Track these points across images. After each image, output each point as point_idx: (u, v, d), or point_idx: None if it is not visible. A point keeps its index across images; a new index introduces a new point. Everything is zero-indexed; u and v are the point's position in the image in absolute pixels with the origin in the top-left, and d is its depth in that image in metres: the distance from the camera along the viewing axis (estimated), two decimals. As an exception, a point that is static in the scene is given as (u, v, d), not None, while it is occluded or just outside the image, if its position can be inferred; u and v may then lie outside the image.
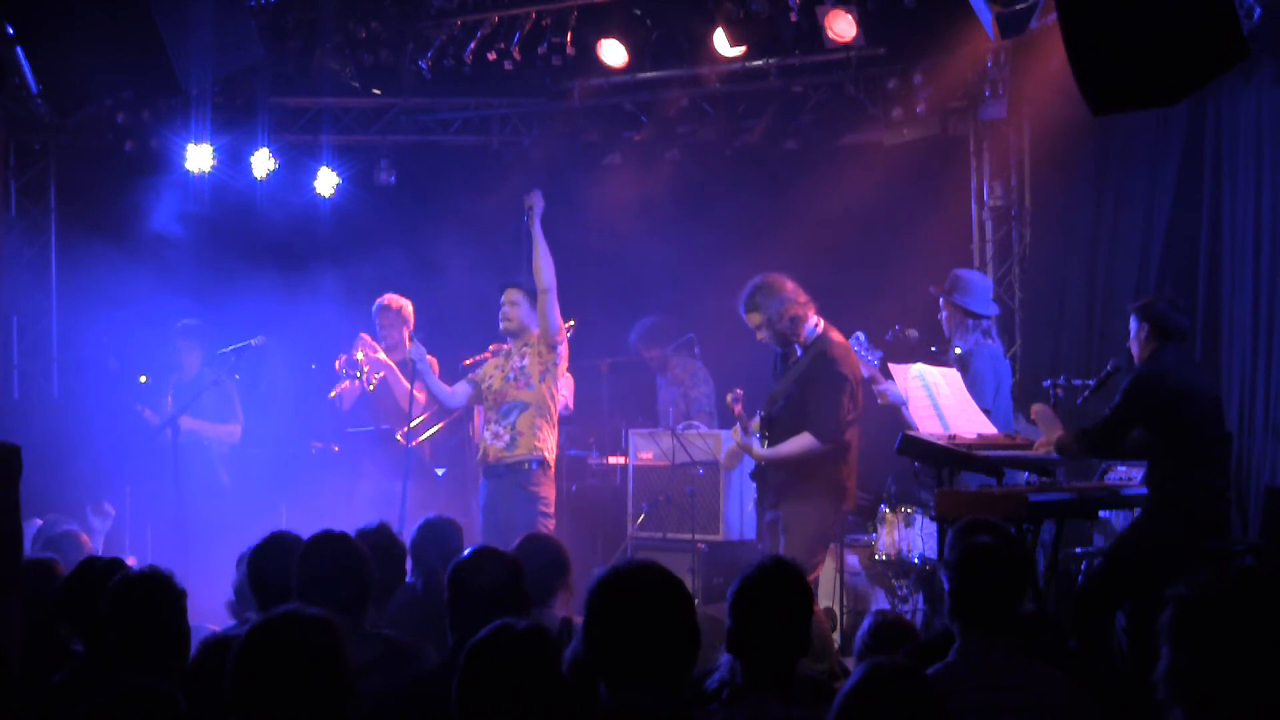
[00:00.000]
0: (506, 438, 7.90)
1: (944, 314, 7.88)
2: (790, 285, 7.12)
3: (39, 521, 7.87)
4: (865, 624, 4.67)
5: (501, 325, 8.09)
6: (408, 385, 8.95)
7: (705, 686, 3.85)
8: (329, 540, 4.51)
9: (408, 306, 9.21)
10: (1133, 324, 6.66)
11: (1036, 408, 6.85)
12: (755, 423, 7.23)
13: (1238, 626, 2.60)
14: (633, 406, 10.43)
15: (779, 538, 7.09)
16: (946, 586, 3.95)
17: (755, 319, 7.15)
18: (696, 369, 10.11)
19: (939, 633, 4.35)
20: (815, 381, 7.03)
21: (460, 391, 8.26)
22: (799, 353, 7.17)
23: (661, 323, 10.22)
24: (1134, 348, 6.64)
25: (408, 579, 5.53)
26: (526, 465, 7.85)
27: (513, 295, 8.07)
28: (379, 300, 9.23)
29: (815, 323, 7.16)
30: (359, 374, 8.95)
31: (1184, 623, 2.64)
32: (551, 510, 7.95)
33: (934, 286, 7.92)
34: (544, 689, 3.15)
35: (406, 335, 9.15)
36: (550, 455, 7.98)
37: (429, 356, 9.00)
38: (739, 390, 7.28)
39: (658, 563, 3.48)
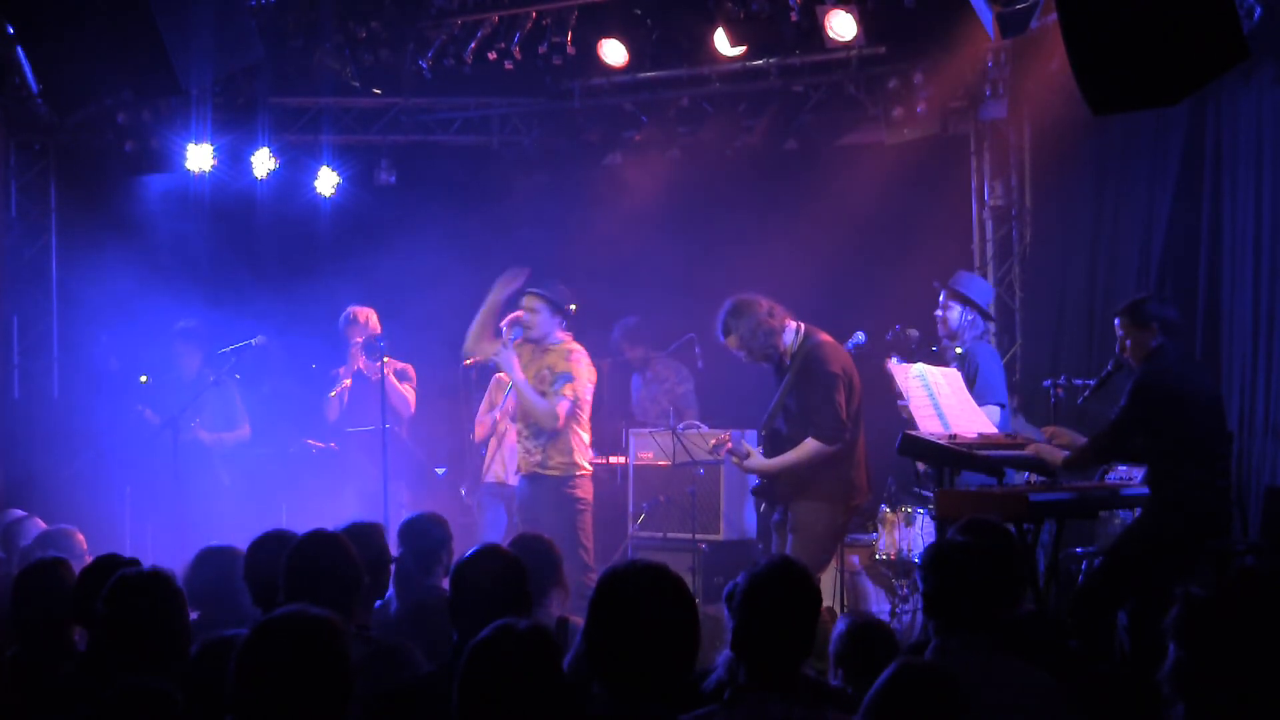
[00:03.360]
0: (539, 456, 8.00)
1: (942, 312, 7.88)
2: (763, 303, 7.10)
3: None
4: (839, 627, 4.58)
5: (524, 333, 8.10)
6: (397, 385, 9.03)
7: (702, 688, 3.85)
8: (320, 539, 4.51)
9: (374, 316, 9.33)
10: (1119, 326, 6.66)
11: (1034, 446, 6.85)
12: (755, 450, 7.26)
13: (1242, 625, 2.61)
14: (634, 406, 10.44)
15: (786, 536, 7.08)
16: (920, 586, 3.94)
17: (732, 342, 7.19)
18: (678, 367, 10.15)
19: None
20: (807, 385, 7.02)
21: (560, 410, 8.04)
22: (788, 363, 7.16)
23: (644, 322, 10.27)
24: (1129, 350, 6.63)
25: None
26: (563, 475, 7.98)
27: (533, 302, 8.12)
28: (349, 311, 9.30)
29: (795, 328, 7.13)
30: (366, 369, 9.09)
31: (1191, 621, 2.65)
32: (590, 507, 8.06)
33: (938, 281, 7.92)
34: (545, 689, 3.15)
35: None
36: (586, 463, 8.09)
37: (405, 365, 9.06)
38: (723, 435, 7.32)
39: (663, 564, 3.47)
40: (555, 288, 8.17)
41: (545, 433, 7.96)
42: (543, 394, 7.96)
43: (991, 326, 7.88)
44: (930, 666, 3.06)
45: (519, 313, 8.13)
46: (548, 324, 8.11)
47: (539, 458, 7.99)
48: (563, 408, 7.92)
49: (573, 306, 8.33)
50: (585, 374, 8.07)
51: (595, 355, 10.25)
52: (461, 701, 3.15)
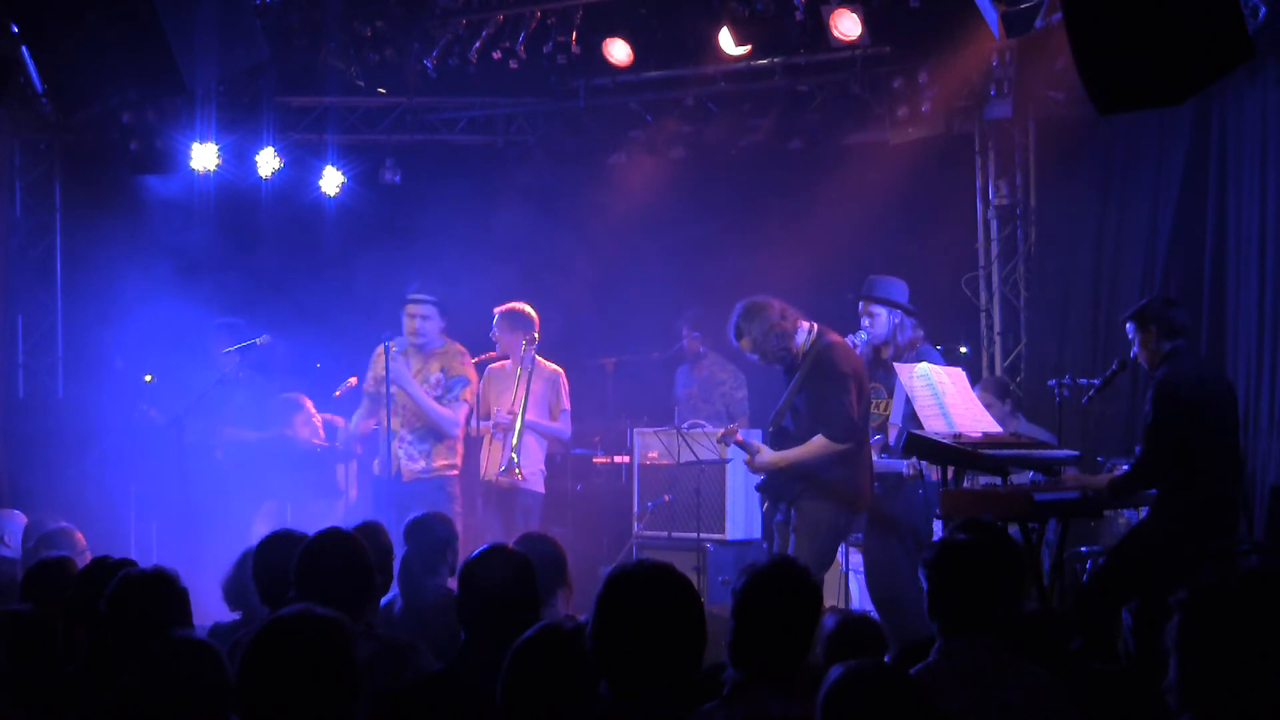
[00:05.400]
0: (423, 462, 7.99)
1: (869, 320, 7.57)
2: (775, 305, 7.09)
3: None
4: (828, 624, 4.56)
5: (409, 341, 8.00)
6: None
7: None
8: (334, 537, 4.51)
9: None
10: (1131, 330, 6.64)
11: (1072, 479, 6.81)
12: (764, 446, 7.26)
13: (1244, 629, 2.61)
14: (639, 405, 10.43)
15: (788, 536, 7.08)
16: (924, 585, 3.93)
17: (745, 344, 7.19)
18: (735, 371, 10.12)
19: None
20: (818, 385, 7.01)
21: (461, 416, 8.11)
22: (799, 363, 7.16)
23: (709, 313, 10.25)
24: (1142, 355, 6.62)
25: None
26: (443, 477, 8.00)
27: (421, 309, 8.00)
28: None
29: (807, 329, 7.13)
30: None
31: (1190, 628, 2.64)
32: (461, 506, 8.06)
33: (851, 293, 7.72)
34: (587, 689, 3.16)
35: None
36: (458, 467, 8.09)
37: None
38: (734, 426, 7.36)
39: (669, 564, 3.47)
40: (439, 289, 8.06)
41: (432, 436, 7.91)
42: (437, 399, 7.90)
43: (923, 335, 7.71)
44: (880, 665, 3.05)
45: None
46: (435, 328, 8.02)
47: (422, 464, 7.97)
48: (463, 414, 7.89)
49: (537, 334, 8.40)
50: (474, 376, 8.09)
51: (599, 353, 10.30)
52: (507, 701, 3.15)
